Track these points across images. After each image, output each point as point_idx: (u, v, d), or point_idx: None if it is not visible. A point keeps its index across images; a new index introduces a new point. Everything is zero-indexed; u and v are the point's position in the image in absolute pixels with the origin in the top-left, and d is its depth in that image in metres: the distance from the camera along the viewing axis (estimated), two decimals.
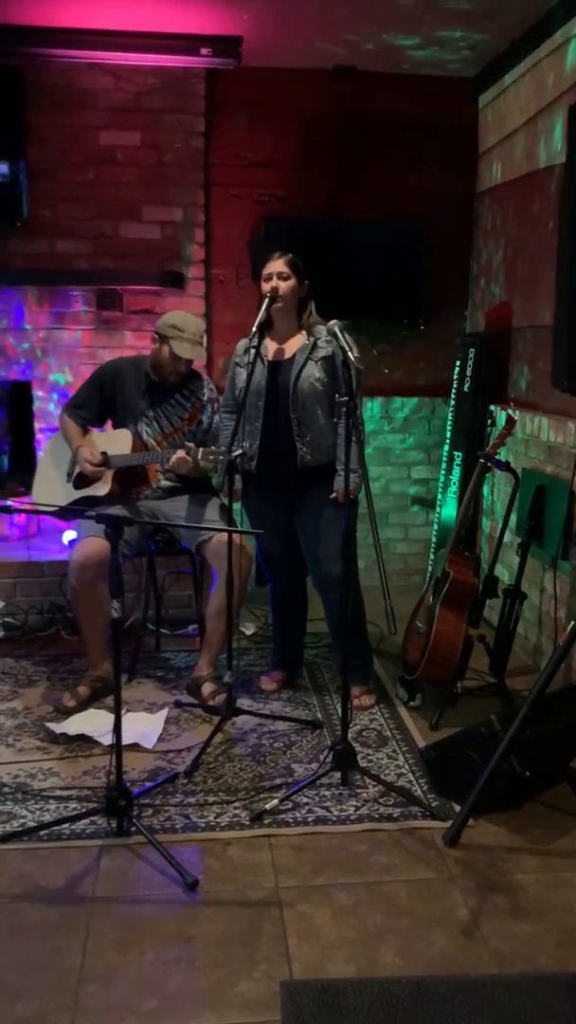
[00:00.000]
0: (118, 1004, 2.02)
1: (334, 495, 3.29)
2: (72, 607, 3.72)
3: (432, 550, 4.81)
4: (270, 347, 3.35)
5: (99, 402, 3.70)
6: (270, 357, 3.33)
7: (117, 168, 4.54)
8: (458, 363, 4.59)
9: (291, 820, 2.73)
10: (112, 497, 3.60)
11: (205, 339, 4.65)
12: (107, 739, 3.14)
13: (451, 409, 4.65)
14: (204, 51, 4.14)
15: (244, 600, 3.73)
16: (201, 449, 3.28)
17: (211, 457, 3.23)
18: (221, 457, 3.19)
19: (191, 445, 3.32)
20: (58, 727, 3.28)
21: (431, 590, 3.53)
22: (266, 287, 3.24)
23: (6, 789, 2.88)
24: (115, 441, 3.64)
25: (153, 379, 3.65)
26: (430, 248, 4.76)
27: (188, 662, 3.93)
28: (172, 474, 3.61)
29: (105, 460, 3.61)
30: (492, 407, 4.41)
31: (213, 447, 3.30)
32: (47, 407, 4.63)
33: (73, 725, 3.29)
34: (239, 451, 3.14)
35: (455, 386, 4.61)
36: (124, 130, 4.52)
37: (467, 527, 3.74)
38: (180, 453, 3.37)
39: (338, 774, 2.92)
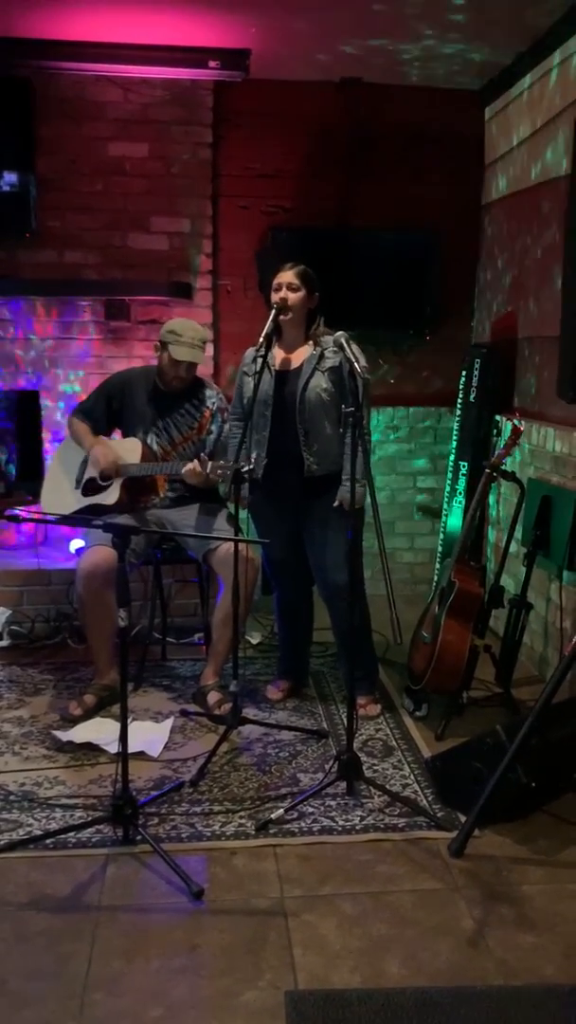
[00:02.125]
0: (124, 1012, 2.03)
1: (338, 503, 3.30)
2: (79, 615, 3.74)
3: (438, 559, 4.82)
4: (277, 357, 3.37)
5: (106, 412, 3.73)
6: (277, 367, 3.35)
7: (125, 179, 4.57)
8: (464, 373, 4.60)
9: (296, 830, 2.73)
10: (120, 506, 3.61)
11: (208, 345, 4.68)
12: (113, 748, 3.15)
13: (457, 419, 4.66)
14: (212, 64, 4.17)
15: (250, 609, 3.73)
16: (210, 463, 3.29)
17: (219, 472, 3.24)
18: (230, 472, 3.19)
19: (204, 457, 3.33)
20: (64, 735, 3.28)
21: (437, 600, 3.54)
22: (275, 297, 3.26)
23: (12, 797, 2.89)
24: (125, 450, 3.66)
25: (161, 389, 3.67)
26: (436, 258, 4.78)
27: (194, 671, 3.94)
28: (179, 483, 3.63)
29: (116, 471, 3.62)
30: (498, 417, 4.41)
31: (223, 460, 3.31)
32: (55, 416, 4.65)
33: (79, 733, 3.29)
34: (248, 466, 3.14)
35: (461, 396, 4.62)
36: (132, 141, 4.55)
37: (473, 537, 3.74)
38: (192, 464, 3.37)
39: (343, 784, 2.92)
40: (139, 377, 3.72)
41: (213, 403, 3.69)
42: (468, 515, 3.55)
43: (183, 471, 3.43)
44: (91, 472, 3.69)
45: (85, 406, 3.78)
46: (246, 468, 3.10)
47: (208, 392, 3.72)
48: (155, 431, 3.67)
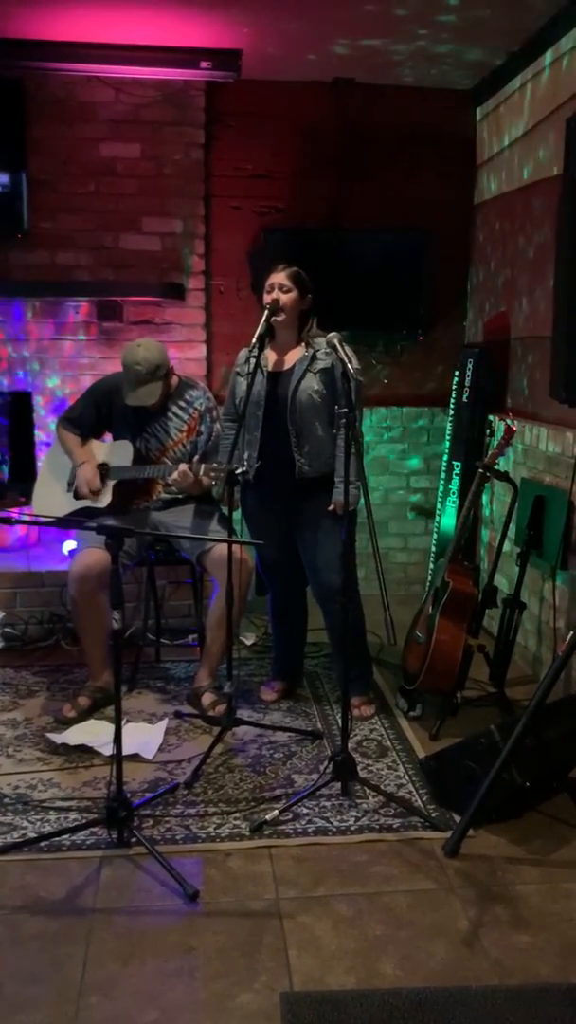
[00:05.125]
0: (119, 1015, 2.02)
1: (332, 508, 3.30)
2: (72, 617, 3.72)
3: (432, 559, 4.82)
4: (270, 358, 3.37)
5: (95, 418, 3.70)
6: (270, 368, 3.35)
7: (117, 180, 4.56)
8: (457, 373, 4.61)
9: (291, 831, 2.73)
10: (112, 508, 3.60)
11: (200, 345, 4.67)
12: (107, 749, 3.14)
13: (450, 419, 4.66)
14: (204, 64, 4.16)
15: (244, 610, 3.73)
16: (203, 465, 3.28)
17: (212, 474, 3.22)
18: (223, 474, 3.18)
19: (194, 461, 3.31)
20: (58, 738, 3.28)
21: (431, 600, 3.54)
22: (267, 298, 3.25)
23: (6, 800, 2.88)
24: (116, 452, 3.65)
25: None
26: (429, 259, 4.79)
27: (188, 672, 3.93)
28: (174, 488, 3.61)
29: (105, 474, 3.61)
30: (491, 417, 4.42)
31: (215, 463, 3.29)
32: (47, 417, 4.65)
33: (73, 736, 3.29)
34: (242, 468, 3.12)
35: (454, 396, 4.63)
36: (124, 142, 4.54)
37: (466, 537, 3.75)
38: (182, 468, 3.37)
39: (338, 784, 2.92)
40: (125, 382, 3.69)
41: (201, 404, 3.66)
42: (461, 515, 3.55)
43: (173, 476, 3.41)
44: None
45: (72, 414, 3.75)
46: (240, 470, 3.09)
47: (194, 393, 3.69)
48: (144, 437, 3.65)
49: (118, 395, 3.64)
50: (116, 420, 3.68)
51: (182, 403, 3.66)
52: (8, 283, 4.48)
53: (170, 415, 3.65)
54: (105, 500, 3.61)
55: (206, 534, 3.55)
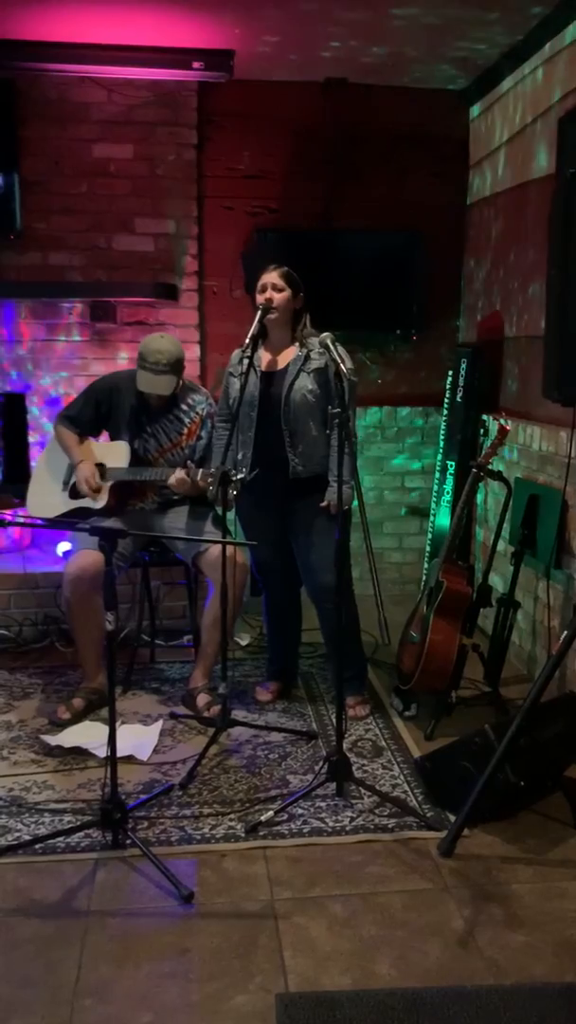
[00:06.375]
0: (113, 1018, 2.02)
1: (325, 503, 3.30)
2: (67, 619, 3.72)
3: (426, 559, 4.82)
4: (263, 358, 3.37)
5: (94, 416, 3.70)
6: (263, 368, 3.35)
7: (110, 180, 4.56)
8: (450, 373, 4.61)
9: (286, 832, 2.73)
10: (108, 509, 3.60)
11: (194, 346, 4.67)
12: (102, 751, 3.14)
13: (444, 419, 4.67)
14: (196, 65, 4.15)
15: (239, 611, 3.73)
16: (200, 471, 3.27)
17: (210, 479, 3.22)
18: (218, 475, 3.17)
19: (191, 465, 3.31)
20: (53, 740, 3.27)
21: (425, 599, 3.54)
22: (260, 298, 3.26)
23: (0, 803, 2.87)
24: (112, 453, 3.64)
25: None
26: (423, 258, 4.78)
27: (183, 673, 3.93)
28: (168, 488, 3.61)
29: (102, 474, 3.60)
30: (485, 416, 4.42)
31: (213, 468, 3.29)
32: (41, 419, 4.64)
33: (68, 737, 3.28)
34: (240, 475, 3.10)
35: (448, 396, 4.63)
36: (117, 143, 4.54)
37: (461, 536, 3.75)
38: (180, 473, 3.36)
39: (333, 785, 2.92)
40: (126, 381, 3.68)
41: (203, 408, 3.66)
42: (456, 515, 3.56)
43: (170, 481, 3.41)
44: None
45: (71, 412, 3.75)
46: (237, 477, 3.07)
47: (197, 397, 3.69)
48: (143, 437, 3.64)
49: (119, 394, 3.64)
50: (116, 419, 3.68)
51: (184, 406, 3.66)
52: (0, 284, 4.47)
53: (171, 417, 3.65)
54: (101, 501, 3.61)
55: (201, 535, 3.55)
